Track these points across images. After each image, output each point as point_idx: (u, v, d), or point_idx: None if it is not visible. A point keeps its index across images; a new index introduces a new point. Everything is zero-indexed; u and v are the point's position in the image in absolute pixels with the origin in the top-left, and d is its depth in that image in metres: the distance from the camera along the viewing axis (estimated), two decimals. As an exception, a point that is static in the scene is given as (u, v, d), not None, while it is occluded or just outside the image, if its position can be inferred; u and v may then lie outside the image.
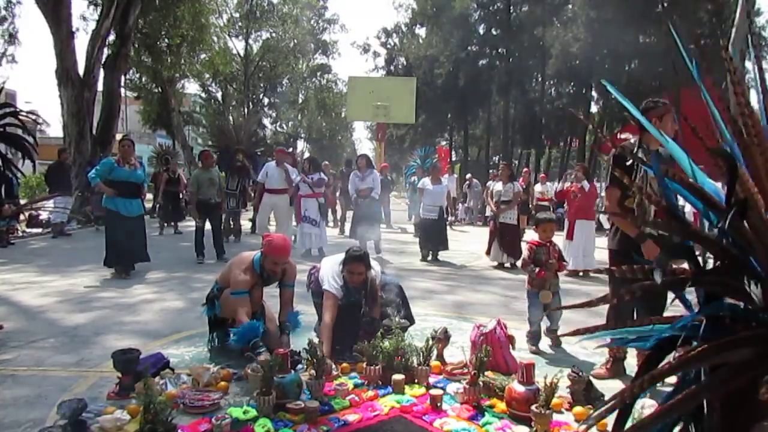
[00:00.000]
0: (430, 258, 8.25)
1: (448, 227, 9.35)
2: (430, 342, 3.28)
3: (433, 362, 3.30)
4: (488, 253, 8.14)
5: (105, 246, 6.41)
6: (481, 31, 32.11)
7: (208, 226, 7.60)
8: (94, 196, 11.75)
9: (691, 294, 1.12)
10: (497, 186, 8.10)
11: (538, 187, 12.30)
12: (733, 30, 9.05)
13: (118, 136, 13.22)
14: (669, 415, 1.02)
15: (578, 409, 2.75)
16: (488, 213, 14.79)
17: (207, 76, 27.48)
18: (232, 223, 9.76)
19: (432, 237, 8.28)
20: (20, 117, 3.63)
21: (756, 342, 0.97)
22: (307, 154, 47.22)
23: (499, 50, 31.23)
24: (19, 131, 3.89)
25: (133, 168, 6.46)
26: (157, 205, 12.41)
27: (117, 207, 6.28)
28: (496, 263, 7.90)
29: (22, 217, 10.98)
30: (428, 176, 8.75)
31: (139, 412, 2.44)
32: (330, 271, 3.77)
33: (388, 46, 37.43)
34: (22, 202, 11.24)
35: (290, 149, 41.18)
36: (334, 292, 3.64)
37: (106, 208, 6.44)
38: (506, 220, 7.84)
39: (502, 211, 7.83)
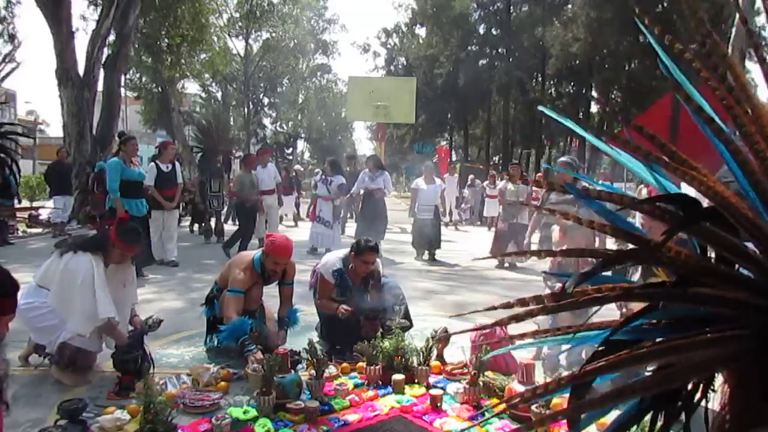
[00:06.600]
0: (426, 257, 8.27)
1: (444, 227, 9.38)
2: (430, 342, 3.28)
3: (433, 362, 3.30)
4: (492, 252, 8.08)
5: None
6: (481, 31, 32.12)
7: (235, 227, 7.78)
8: (91, 197, 11.72)
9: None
10: (510, 186, 8.12)
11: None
12: (733, 30, 9.05)
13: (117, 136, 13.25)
14: (617, 400, 0.97)
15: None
16: (484, 213, 14.87)
17: (207, 76, 27.46)
18: (215, 223, 9.83)
19: (428, 237, 8.30)
20: (9, 135, 3.60)
21: (729, 343, 0.93)
22: (307, 154, 47.32)
23: (499, 50, 31.24)
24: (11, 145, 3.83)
25: (137, 167, 6.49)
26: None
27: (130, 208, 6.18)
28: (497, 263, 7.90)
29: (25, 214, 10.96)
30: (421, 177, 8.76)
31: (139, 412, 2.44)
32: (330, 261, 3.92)
33: (388, 46, 37.45)
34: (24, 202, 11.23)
35: (290, 149, 41.00)
36: (327, 277, 3.82)
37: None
38: (519, 219, 7.82)
39: (519, 212, 7.82)
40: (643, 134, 1.00)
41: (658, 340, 1.00)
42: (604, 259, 0.93)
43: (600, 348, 0.99)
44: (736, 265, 1.00)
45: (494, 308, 1.08)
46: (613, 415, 1.10)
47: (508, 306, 1.02)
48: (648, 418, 1.05)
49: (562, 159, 6.22)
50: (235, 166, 12.53)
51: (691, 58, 1.01)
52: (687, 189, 1.11)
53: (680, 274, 0.93)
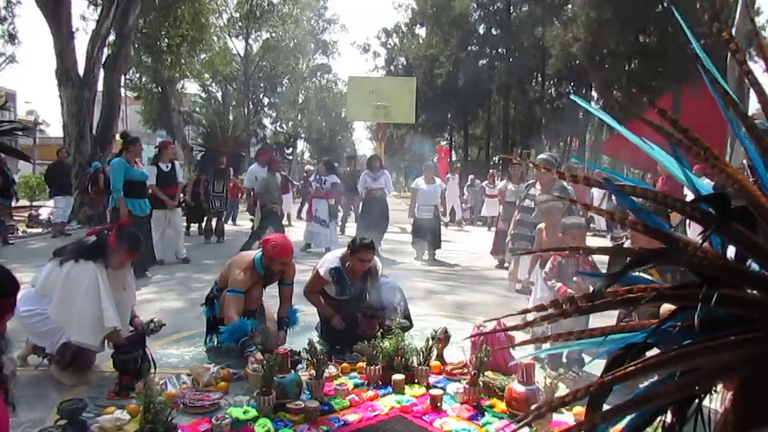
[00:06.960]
0: (426, 257, 8.28)
1: (444, 227, 9.40)
2: (430, 342, 3.28)
3: (433, 362, 3.30)
4: (493, 253, 8.07)
5: None
6: (481, 31, 32.18)
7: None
8: (87, 197, 11.68)
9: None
10: (510, 186, 8.12)
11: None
12: (733, 30, 9.04)
13: (118, 136, 13.24)
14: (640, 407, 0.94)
15: (578, 409, 2.75)
16: (484, 213, 14.89)
17: (207, 76, 27.48)
18: (216, 224, 9.91)
19: (427, 236, 8.31)
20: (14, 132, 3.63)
21: (747, 345, 0.91)
22: (307, 154, 47.23)
23: (499, 50, 31.29)
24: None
25: (140, 167, 6.52)
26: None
27: (133, 208, 6.17)
28: (498, 263, 7.90)
29: (24, 214, 10.96)
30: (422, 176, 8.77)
31: (139, 412, 2.44)
32: (328, 260, 3.95)
33: (388, 46, 37.51)
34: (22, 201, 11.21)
35: (290, 149, 40.94)
36: (323, 273, 3.85)
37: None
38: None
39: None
40: (677, 128, 0.96)
41: (671, 343, 0.97)
42: (633, 258, 0.90)
43: (619, 352, 0.97)
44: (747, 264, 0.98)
45: (528, 311, 1.05)
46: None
47: (541, 308, 1.00)
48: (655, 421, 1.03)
49: (542, 156, 6.13)
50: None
51: (735, 49, 0.99)
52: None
53: (708, 275, 0.90)
